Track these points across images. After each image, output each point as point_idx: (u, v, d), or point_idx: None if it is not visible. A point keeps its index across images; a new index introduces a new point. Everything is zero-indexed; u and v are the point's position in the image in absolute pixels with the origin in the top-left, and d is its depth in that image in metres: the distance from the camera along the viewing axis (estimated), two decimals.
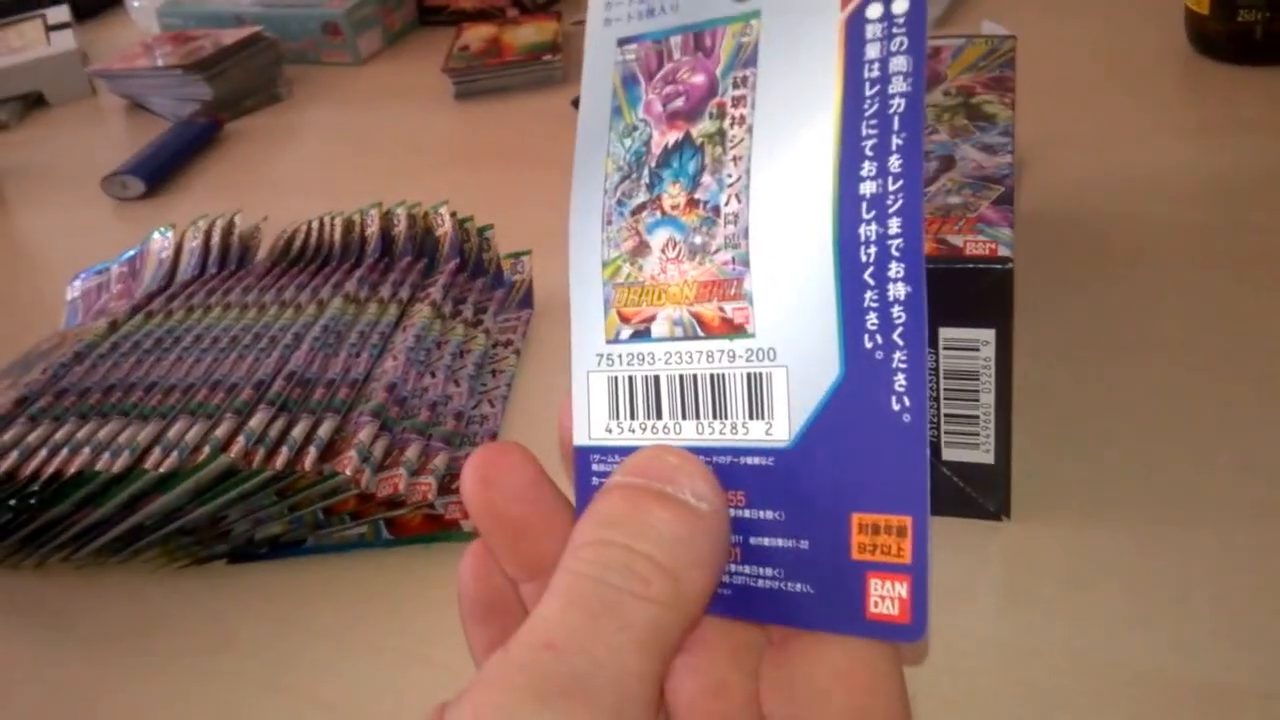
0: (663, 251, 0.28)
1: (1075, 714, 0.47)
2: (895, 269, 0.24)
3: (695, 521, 0.25)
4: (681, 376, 0.27)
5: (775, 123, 0.26)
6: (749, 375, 0.26)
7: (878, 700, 0.26)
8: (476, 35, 1.24)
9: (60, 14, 1.42)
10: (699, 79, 0.28)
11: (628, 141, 0.29)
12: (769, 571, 0.26)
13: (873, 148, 0.25)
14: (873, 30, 0.25)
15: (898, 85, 0.25)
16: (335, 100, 1.23)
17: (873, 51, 0.25)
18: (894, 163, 0.24)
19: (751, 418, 0.26)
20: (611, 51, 0.29)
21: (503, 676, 0.23)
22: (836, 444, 0.25)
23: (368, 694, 0.52)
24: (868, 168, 0.25)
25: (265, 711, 0.52)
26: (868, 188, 0.25)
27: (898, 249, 0.24)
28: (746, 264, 0.26)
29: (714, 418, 0.27)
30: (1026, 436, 0.57)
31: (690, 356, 0.27)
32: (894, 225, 0.24)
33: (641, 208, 0.28)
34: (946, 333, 0.51)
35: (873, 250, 0.25)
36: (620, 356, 0.28)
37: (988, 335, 0.50)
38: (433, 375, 0.67)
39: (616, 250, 0.28)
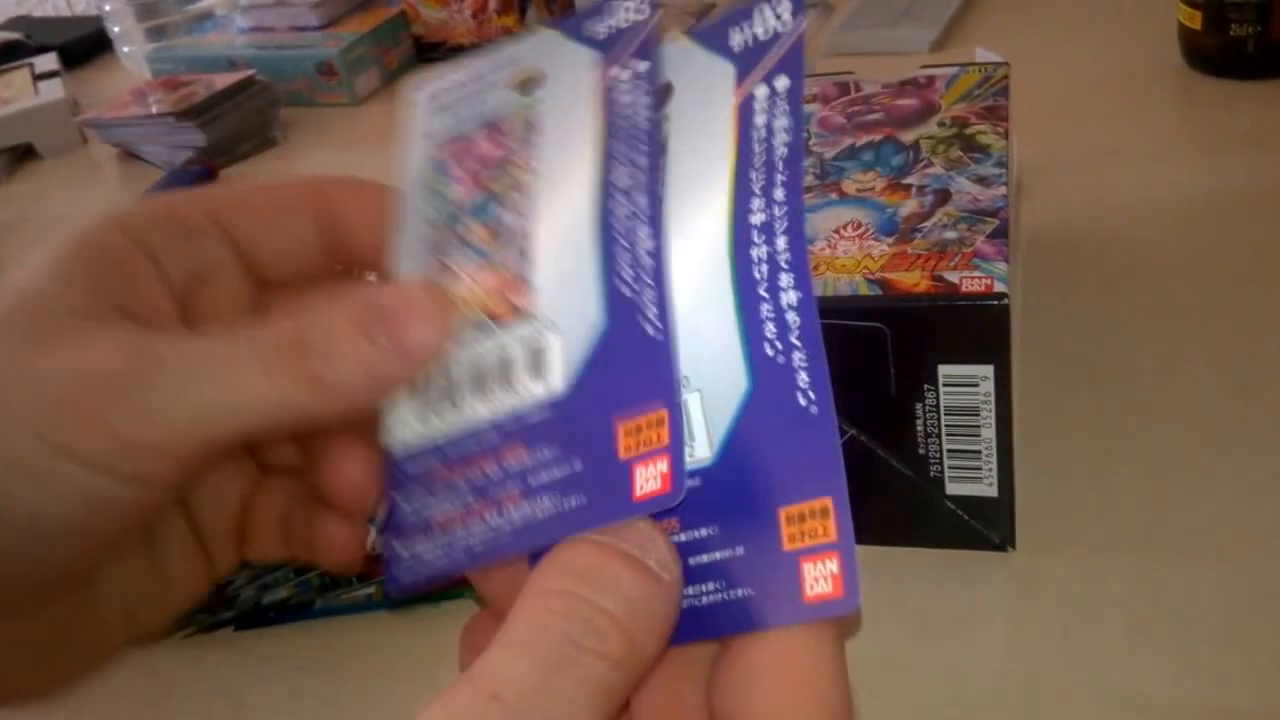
0: (466, 271, 0.32)
1: None
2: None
3: (656, 586, 0.26)
4: (475, 367, 0.30)
5: (552, 163, 0.31)
6: (531, 349, 0.30)
7: (818, 678, 0.27)
8: None
9: (48, 62, 1.42)
10: (497, 152, 0.33)
11: (440, 204, 0.34)
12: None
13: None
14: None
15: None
16: (333, 142, 1.23)
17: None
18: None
19: (533, 381, 0.29)
20: (426, 150, 0.35)
21: None
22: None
23: None
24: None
25: None
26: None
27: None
28: (530, 263, 0.31)
29: (501, 392, 0.30)
30: (1030, 467, 0.56)
31: (483, 350, 0.31)
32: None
33: (452, 246, 0.33)
34: (945, 369, 0.51)
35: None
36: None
37: (986, 371, 0.50)
38: None
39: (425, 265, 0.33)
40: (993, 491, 0.54)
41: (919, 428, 0.53)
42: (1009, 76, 0.66)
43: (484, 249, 0.32)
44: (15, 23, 1.70)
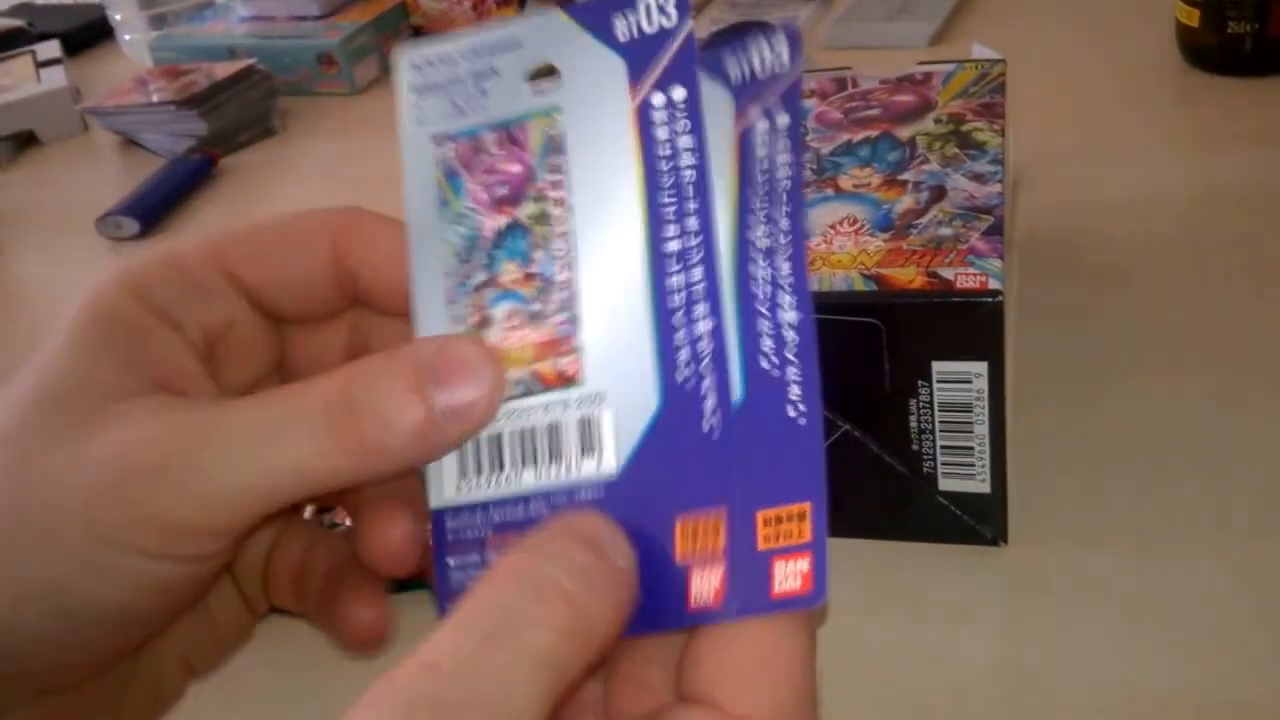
0: (506, 321, 0.31)
1: None
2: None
3: (608, 567, 0.27)
4: (522, 430, 0.30)
5: (590, 199, 0.31)
6: (581, 420, 0.30)
7: (782, 661, 0.27)
8: None
9: (50, 50, 1.42)
10: (516, 168, 0.32)
11: (459, 228, 0.32)
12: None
13: (673, 213, 0.30)
14: (659, 116, 0.30)
15: (686, 160, 0.30)
16: (332, 131, 1.23)
17: (662, 134, 0.30)
18: (691, 224, 0.29)
19: (584, 456, 0.30)
20: (428, 148, 0.33)
21: (379, 698, 0.23)
22: (660, 466, 0.29)
23: None
24: (670, 230, 0.30)
25: None
26: (672, 246, 0.29)
27: (701, 292, 0.29)
28: (576, 322, 0.30)
29: (551, 462, 0.30)
30: (1023, 462, 0.57)
31: (530, 412, 0.30)
32: (697, 275, 0.29)
33: (483, 285, 0.32)
34: (939, 365, 0.51)
35: (681, 296, 0.29)
36: None
37: (980, 368, 0.50)
38: None
39: (462, 325, 0.32)
40: (985, 487, 0.54)
41: (913, 423, 0.53)
42: (1005, 73, 0.67)
43: (522, 295, 0.31)
44: (18, 10, 1.70)
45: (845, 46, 1.11)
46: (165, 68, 1.29)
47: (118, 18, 1.50)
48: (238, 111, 1.21)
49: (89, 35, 1.59)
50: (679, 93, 0.30)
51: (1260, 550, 0.53)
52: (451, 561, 0.31)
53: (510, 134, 0.32)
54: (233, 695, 0.56)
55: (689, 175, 0.29)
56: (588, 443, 0.30)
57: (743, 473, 0.28)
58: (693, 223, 0.29)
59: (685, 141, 0.30)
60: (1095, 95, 0.97)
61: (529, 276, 0.31)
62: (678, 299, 0.29)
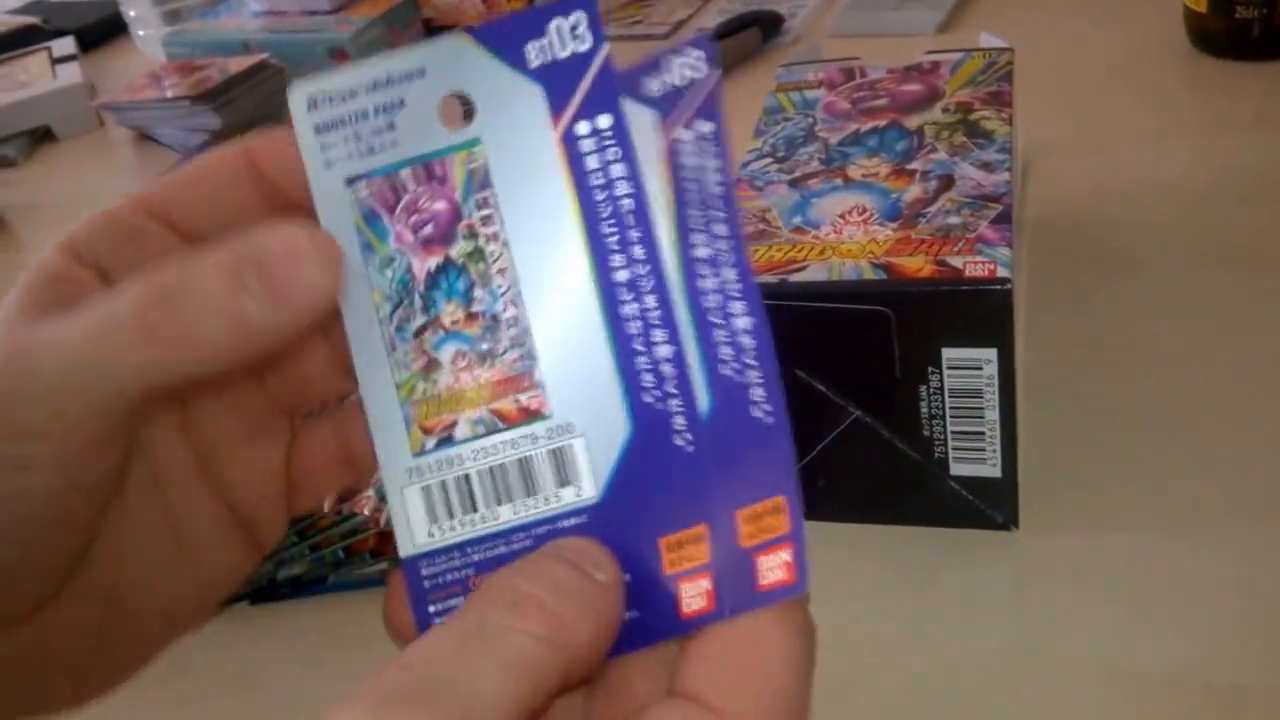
0: (453, 363, 0.30)
1: (1084, 716, 0.48)
2: (659, 335, 0.29)
3: (589, 583, 0.27)
4: (491, 468, 0.30)
5: (526, 233, 0.30)
6: (553, 452, 0.30)
7: (770, 659, 0.27)
8: None
9: (66, 46, 1.43)
10: (441, 205, 0.30)
11: (388, 272, 0.31)
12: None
13: (617, 242, 0.29)
14: (586, 145, 0.29)
15: (622, 189, 0.29)
16: None
17: (593, 163, 0.29)
18: (637, 253, 0.29)
19: (561, 486, 0.30)
20: (342, 192, 0.31)
21: (355, 697, 0.24)
22: (639, 488, 0.29)
23: None
24: (616, 259, 0.29)
25: None
26: (620, 275, 0.29)
27: (657, 318, 0.29)
28: (534, 357, 0.30)
29: (526, 496, 0.30)
30: (1034, 447, 0.57)
31: (496, 449, 0.30)
32: (650, 301, 0.29)
33: (423, 329, 0.31)
34: (949, 353, 0.52)
35: (637, 324, 0.29)
36: (429, 466, 0.30)
37: (989, 355, 0.51)
38: None
39: (407, 371, 0.31)
40: (996, 472, 0.55)
41: (923, 410, 0.54)
42: (1013, 62, 0.67)
43: (467, 335, 0.30)
44: (33, 7, 1.70)
45: (853, 34, 1.11)
46: (179, 63, 1.30)
47: (132, 14, 1.51)
48: (251, 106, 1.22)
49: (103, 31, 1.60)
50: (604, 120, 0.29)
51: (1269, 536, 0.54)
52: (433, 608, 0.30)
53: (429, 170, 0.30)
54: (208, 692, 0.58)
55: (627, 204, 0.29)
56: (563, 473, 0.30)
57: (719, 478, 0.29)
58: (638, 251, 0.29)
59: (618, 170, 0.29)
60: (1103, 82, 0.97)
61: (472, 316, 0.30)
62: (634, 326, 0.29)
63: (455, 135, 0.30)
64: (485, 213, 0.30)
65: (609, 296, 0.29)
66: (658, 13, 1.29)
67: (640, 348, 0.29)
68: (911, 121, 0.63)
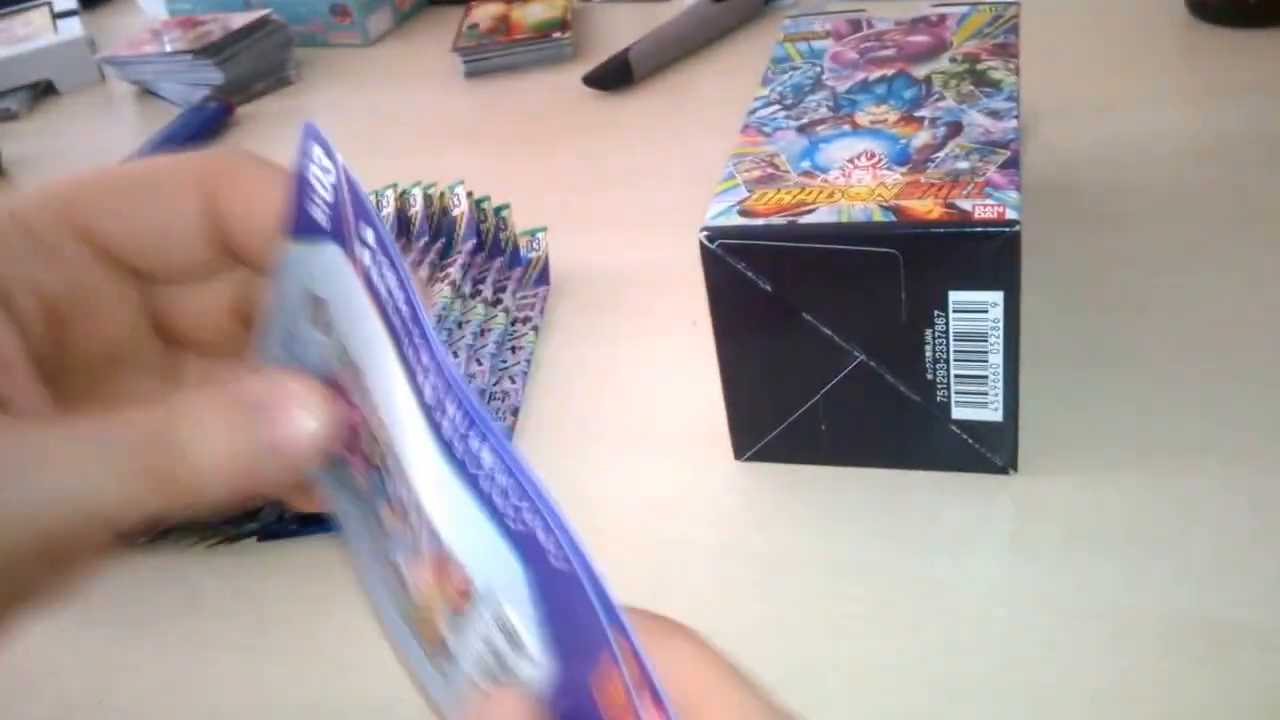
0: (407, 570, 0.29)
1: (1081, 654, 0.49)
2: (475, 441, 0.25)
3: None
4: (474, 659, 0.28)
5: (383, 400, 0.28)
6: (497, 621, 0.27)
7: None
8: (485, 13, 1.25)
9: (67, 1, 1.43)
10: (355, 416, 0.29)
11: (355, 508, 0.31)
12: None
13: (414, 357, 0.26)
14: (370, 267, 0.27)
15: (399, 296, 0.26)
16: (345, 82, 1.24)
17: (379, 284, 0.26)
18: (424, 359, 0.26)
19: (518, 656, 0.27)
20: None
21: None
22: (556, 625, 0.26)
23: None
24: (420, 376, 0.26)
25: (302, 683, 0.54)
26: (427, 394, 0.26)
27: (466, 424, 0.25)
28: (435, 534, 0.27)
29: (503, 674, 0.28)
30: (1033, 392, 0.58)
31: (469, 642, 0.28)
32: (451, 409, 0.26)
33: (382, 544, 0.30)
34: (955, 295, 0.52)
35: (460, 444, 0.26)
36: (443, 670, 0.30)
37: (996, 297, 0.52)
38: (455, 355, 0.68)
39: (392, 592, 0.30)
40: (998, 416, 0.55)
41: (928, 353, 0.54)
42: (1019, 15, 0.68)
43: (400, 537, 0.29)
44: None
45: None
46: (181, 18, 1.30)
47: None
48: (253, 61, 1.22)
49: None
50: (369, 234, 0.26)
51: (1266, 476, 0.55)
52: None
53: (335, 380, 0.29)
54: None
55: (406, 311, 0.26)
56: (514, 640, 0.27)
57: (572, 646, 0.26)
58: (424, 357, 0.26)
59: (390, 279, 0.26)
60: (1102, 47, 0.98)
61: (395, 514, 0.29)
62: (459, 447, 0.26)
63: (328, 339, 0.29)
64: (369, 402, 0.28)
65: (433, 427, 0.26)
66: None
67: (473, 467, 0.26)
68: (919, 71, 0.63)
